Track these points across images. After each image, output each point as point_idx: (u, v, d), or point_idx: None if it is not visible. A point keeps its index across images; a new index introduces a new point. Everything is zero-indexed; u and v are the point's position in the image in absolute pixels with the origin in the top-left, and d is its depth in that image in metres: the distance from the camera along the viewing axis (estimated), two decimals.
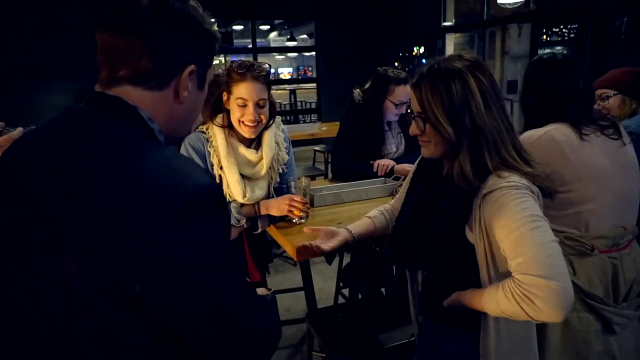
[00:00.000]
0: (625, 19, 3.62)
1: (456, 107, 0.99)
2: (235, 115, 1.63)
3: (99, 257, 0.57)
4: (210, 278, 0.61)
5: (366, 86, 2.28)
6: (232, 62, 1.64)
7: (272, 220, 1.74)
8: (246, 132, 1.65)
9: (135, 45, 0.65)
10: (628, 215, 1.36)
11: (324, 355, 1.66)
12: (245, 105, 1.59)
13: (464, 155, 1.00)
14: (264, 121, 1.66)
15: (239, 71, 1.58)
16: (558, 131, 1.32)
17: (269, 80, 1.64)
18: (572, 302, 0.84)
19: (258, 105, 1.60)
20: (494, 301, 0.91)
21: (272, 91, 1.69)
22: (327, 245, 1.28)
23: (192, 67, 0.70)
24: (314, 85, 7.94)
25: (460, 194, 1.01)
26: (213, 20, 0.75)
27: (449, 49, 6.15)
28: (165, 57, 0.67)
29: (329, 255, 1.49)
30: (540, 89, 1.42)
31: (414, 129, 1.09)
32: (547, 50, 4.79)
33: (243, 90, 1.58)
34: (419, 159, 1.25)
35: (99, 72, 0.68)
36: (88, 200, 0.59)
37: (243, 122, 1.62)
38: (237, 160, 1.68)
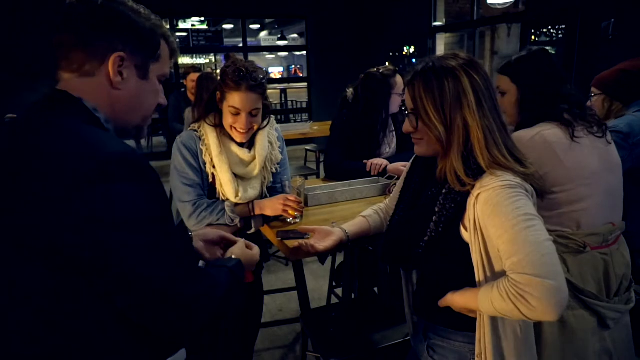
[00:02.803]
0: (613, 20, 3.67)
1: (448, 106, 0.99)
2: (227, 121, 1.62)
3: (27, 216, 0.65)
4: (124, 237, 0.67)
5: (353, 87, 2.30)
6: (227, 65, 1.58)
7: (266, 219, 1.73)
8: (237, 137, 1.64)
9: (65, 39, 0.77)
10: (615, 212, 1.39)
11: (319, 355, 1.66)
12: (237, 114, 1.58)
13: (455, 154, 1.00)
14: (256, 128, 1.65)
15: (234, 79, 1.53)
16: (550, 132, 1.32)
17: (264, 88, 1.60)
18: (567, 301, 0.84)
19: (250, 115, 1.59)
20: (488, 301, 0.91)
21: (266, 92, 1.66)
22: (322, 245, 1.27)
23: (120, 54, 0.78)
24: (304, 84, 7.95)
25: (454, 193, 1.01)
26: (152, 15, 0.84)
27: (440, 49, 6.18)
28: (91, 46, 0.77)
29: (321, 255, 1.49)
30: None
31: (407, 126, 1.09)
32: None
33: (237, 100, 1.55)
34: (413, 158, 1.25)
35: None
36: (20, 173, 0.67)
37: (235, 128, 1.61)
38: (230, 159, 1.67)
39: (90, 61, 0.77)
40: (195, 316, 0.76)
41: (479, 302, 0.94)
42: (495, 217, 0.92)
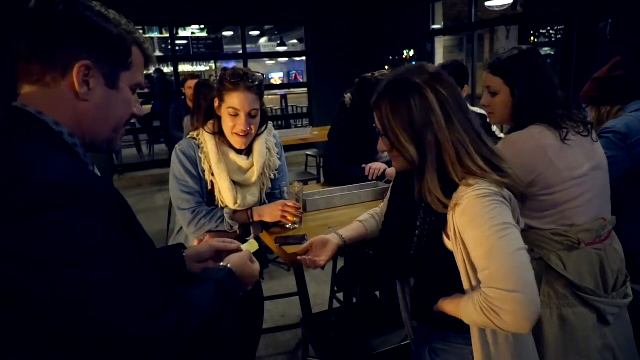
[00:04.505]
0: (610, 21, 3.68)
1: (417, 125, 0.98)
2: (227, 125, 1.63)
3: None
4: (64, 273, 0.61)
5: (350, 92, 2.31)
6: (225, 69, 1.61)
7: (265, 226, 1.74)
8: (237, 143, 1.65)
9: (23, 49, 0.71)
10: (605, 208, 1.41)
11: None
12: (236, 115, 1.59)
13: (430, 173, 0.99)
14: (254, 131, 1.66)
15: (232, 80, 1.56)
16: (542, 135, 1.33)
17: (262, 90, 1.63)
18: (539, 313, 0.86)
19: (250, 116, 1.60)
20: (468, 312, 0.93)
21: (263, 97, 1.68)
22: (322, 259, 1.28)
23: (85, 62, 0.72)
24: (304, 90, 7.97)
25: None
26: (122, 20, 0.78)
27: (438, 52, 6.20)
28: (51, 56, 0.71)
29: None
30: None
31: (381, 146, 1.08)
32: None
33: (235, 100, 1.57)
34: None
35: None
36: None
37: (235, 132, 1.62)
38: (228, 166, 1.68)
39: (51, 72, 0.71)
40: (165, 351, 0.69)
41: (461, 313, 0.96)
42: (471, 230, 0.92)
